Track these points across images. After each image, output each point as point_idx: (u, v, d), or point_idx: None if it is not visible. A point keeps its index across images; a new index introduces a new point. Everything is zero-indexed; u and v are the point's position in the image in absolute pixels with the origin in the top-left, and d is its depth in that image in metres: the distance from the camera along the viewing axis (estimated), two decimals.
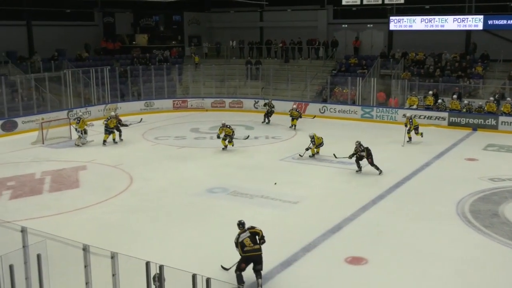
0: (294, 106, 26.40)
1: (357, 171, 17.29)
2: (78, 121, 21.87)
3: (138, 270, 7.06)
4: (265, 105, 27.15)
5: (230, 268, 10.32)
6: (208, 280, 6.35)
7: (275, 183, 15.87)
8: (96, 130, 23.12)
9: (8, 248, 7.68)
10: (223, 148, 20.49)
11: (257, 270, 9.86)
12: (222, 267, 10.55)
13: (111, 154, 20.24)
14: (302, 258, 11.08)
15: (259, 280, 9.77)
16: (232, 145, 20.59)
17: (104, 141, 21.58)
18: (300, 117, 25.45)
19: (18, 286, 7.30)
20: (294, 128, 24.89)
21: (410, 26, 30.71)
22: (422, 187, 15.89)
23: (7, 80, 26.40)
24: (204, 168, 18.26)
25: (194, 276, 6.43)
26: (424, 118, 25.77)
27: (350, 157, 17.30)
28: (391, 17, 31.08)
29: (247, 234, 10.11)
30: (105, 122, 21.90)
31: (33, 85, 26.84)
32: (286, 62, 34.18)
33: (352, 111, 27.93)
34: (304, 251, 11.41)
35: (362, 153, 17.07)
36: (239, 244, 10.02)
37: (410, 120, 21.82)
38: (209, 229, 12.63)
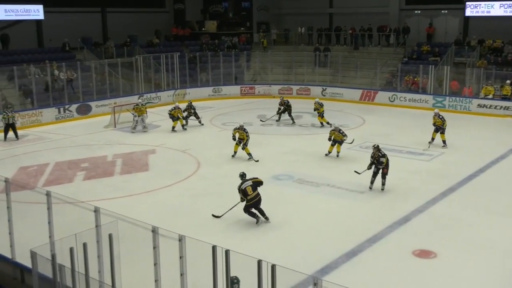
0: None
1: (370, 188, 14.41)
2: (135, 107, 21.99)
3: (204, 253, 7.18)
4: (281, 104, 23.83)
5: (222, 215, 12.23)
6: (273, 267, 6.37)
7: (356, 172, 15.14)
8: (161, 115, 23.59)
9: (81, 226, 7.99)
10: (232, 156, 17.54)
11: (260, 209, 12.14)
12: (213, 215, 12.28)
13: (179, 139, 20.66)
14: (367, 249, 10.92)
15: (265, 215, 12.16)
16: (247, 153, 17.44)
17: (173, 127, 21.99)
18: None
19: (90, 264, 7.60)
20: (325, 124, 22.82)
21: (488, 12, 29.40)
22: (495, 181, 15.27)
23: (82, 65, 27.39)
24: (270, 154, 18.31)
25: (259, 262, 6.47)
26: (500, 108, 24.71)
27: (370, 167, 14.52)
28: (467, 3, 29.86)
29: (249, 183, 12.14)
30: (170, 112, 22.11)
31: (107, 70, 27.72)
32: (355, 49, 33.62)
33: (423, 100, 27.17)
34: (370, 242, 11.24)
35: (382, 159, 14.19)
36: (242, 191, 12.07)
37: (440, 116, 18.83)
38: (274, 215, 12.66)
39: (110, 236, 7.57)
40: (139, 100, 22.59)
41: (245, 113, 26.19)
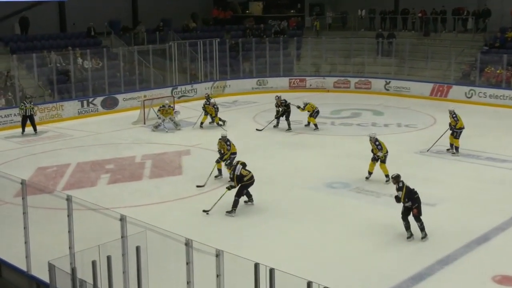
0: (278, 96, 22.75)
1: (408, 238, 12.08)
2: (161, 108, 22.08)
3: (245, 271, 7.15)
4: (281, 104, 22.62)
5: (210, 210, 13.25)
6: None
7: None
8: (197, 110, 23.76)
9: (105, 237, 8.10)
10: (216, 177, 16.11)
11: (248, 193, 13.92)
12: (204, 211, 13.29)
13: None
14: (438, 273, 10.70)
15: (251, 198, 14.03)
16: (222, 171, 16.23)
17: (202, 123, 22.14)
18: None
19: (115, 279, 7.68)
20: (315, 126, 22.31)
21: None
22: None
23: (109, 53, 27.90)
24: (323, 157, 18.21)
25: (309, 284, 6.41)
26: None
27: (399, 200, 12.19)
28: None
29: (240, 166, 13.57)
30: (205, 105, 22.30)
31: (136, 58, 28.16)
32: (425, 36, 33.08)
33: (506, 97, 26.53)
34: (441, 264, 11.01)
35: (414, 197, 12.09)
36: (237, 177, 13.34)
37: (454, 116, 18.06)
38: (326, 231, 12.55)
39: (137, 248, 7.64)
40: (166, 102, 22.44)
41: (294, 109, 26.06)
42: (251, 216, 13.41)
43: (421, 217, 12.08)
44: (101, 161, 17.98)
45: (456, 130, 18.14)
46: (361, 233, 12.47)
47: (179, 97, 27.32)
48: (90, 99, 25.24)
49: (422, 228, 12.07)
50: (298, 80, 31.30)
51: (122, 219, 8.04)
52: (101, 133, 21.63)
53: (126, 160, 18.15)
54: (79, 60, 26.78)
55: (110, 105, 25.63)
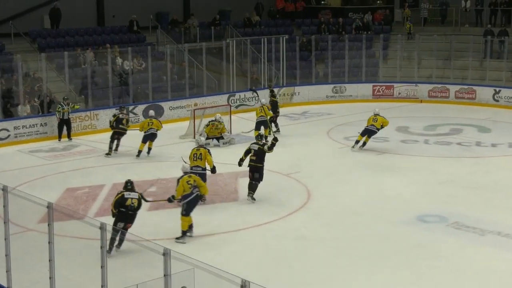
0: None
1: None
2: (208, 124, 22.22)
3: None
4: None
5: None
6: None
7: None
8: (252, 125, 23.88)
9: (145, 274, 8.23)
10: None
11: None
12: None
13: (283, 157, 20.80)
14: None
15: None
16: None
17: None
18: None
19: None
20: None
21: None
22: None
23: (154, 51, 28.40)
24: (414, 184, 18.03)
25: None
26: None
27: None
28: None
29: (255, 146, 16.54)
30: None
31: (187, 58, 28.55)
32: None
33: None
34: None
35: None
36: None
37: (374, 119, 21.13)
38: (417, 276, 12.39)
39: None
40: (218, 115, 22.47)
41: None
42: (326, 255, 13.35)
43: None
44: (141, 182, 18.18)
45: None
46: (461, 280, 12.25)
47: (236, 106, 27.55)
48: (131, 108, 25.65)
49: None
50: (384, 87, 31.10)
51: (166, 253, 8.14)
52: (149, 154, 21.95)
53: (172, 182, 18.32)
54: (119, 60, 27.33)
55: (155, 114, 25.98)
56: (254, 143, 16.91)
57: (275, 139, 16.84)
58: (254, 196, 16.49)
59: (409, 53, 32.76)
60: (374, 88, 31.11)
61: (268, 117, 22.13)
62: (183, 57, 28.79)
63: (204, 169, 16.49)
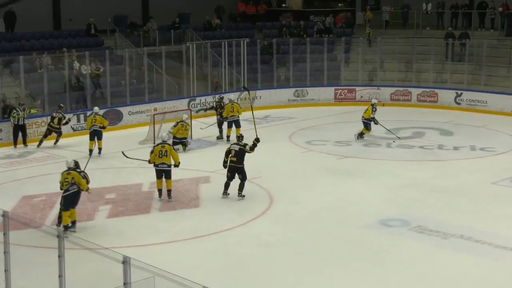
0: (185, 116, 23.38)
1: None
2: (176, 125, 22.21)
3: None
4: (213, 108, 24.91)
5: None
6: None
7: None
8: (214, 130, 23.82)
9: (105, 283, 8.18)
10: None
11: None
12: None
13: (244, 162, 20.82)
14: None
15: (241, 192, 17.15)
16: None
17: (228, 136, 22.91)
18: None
19: None
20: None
21: None
22: None
23: (112, 55, 28.23)
24: (376, 188, 18.15)
25: None
26: None
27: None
28: None
29: (236, 147, 17.03)
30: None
31: (146, 62, 28.44)
32: (508, 36, 32.87)
33: None
34: None
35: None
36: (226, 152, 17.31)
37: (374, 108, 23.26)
38: (381, 280, 12.48)
39: None
40: (185, 116, 22.56)
41: (340, 127, 26.10)
42: (289, 261, 13.39)
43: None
44: (100, 189, 18.09)
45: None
46: (428, 286, 12.36)
47: (197, 111, 27.49)
48: (88, 113, 25.39)
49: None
50: (346, 90, 31.29)
51: (125, 261, 8.10)
52: (101, 154, 21.84)
53: (131, 188, 18.28)
54: (76, 64, 27.12)
55: (113, 120, 25.82)
56: (234, 143, 17.30)
57: (257, 140, 17.35)
58: (243, 193, 17.17)
59: (371, 56, 33.02)
60: (336, 91, 31.28)
61: (239, 116, 23.15)
62: (142, 61, 28.67)
63: (170, 165, 16.87)
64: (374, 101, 24.26)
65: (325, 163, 20.73)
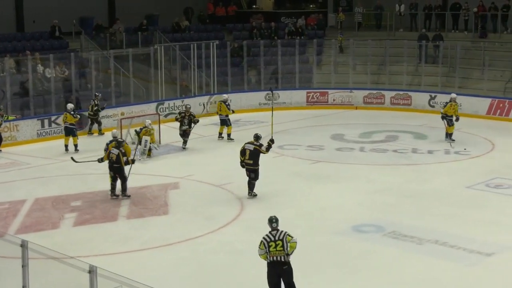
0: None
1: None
2: (140, 131, 21.99)
3: None
4: (180, 114, 24.02)
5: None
6: None
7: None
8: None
9: None
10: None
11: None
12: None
13: (214, 167, 20.81)
14: None
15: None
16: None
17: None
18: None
19: None
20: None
21: None
22: None
23: (78, 58, 28.06)
24: (350, 193, 18.24)
25: None
26: None
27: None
28: None
29: (251, 147, 17.27)
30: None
31: (112, 65, 28.34)
32: (482, 37, 33.18)
33: None
34: None
35: None
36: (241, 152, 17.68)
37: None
38: (355, 287, 12.52)
39: None
40: (148, 122, 22.27)
41: (313, 130, 26.17)
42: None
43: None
44: (65, 196, 17.99)
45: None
46: None
47: (166, 115, 27.42)
48: (53, 118, 25.28)
49: None
50: (319, 94, 31.38)
51: (92, 271, 8.06)
52: (66, 160, 21.67)
53: (97, 195, 18.17)
54: (40, 68, 26.92)
55: (78, 124, 25.62)
56: (249, 142, 17.56)
57: (272, 141, 17.76)
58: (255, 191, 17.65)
59: (343, 58, 33.16)
60: (308, 94, 31.35)
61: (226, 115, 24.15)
62: (108, 64, 28.54)
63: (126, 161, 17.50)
64: (453, 95, 24.25)
65: (298, 168, 20.77)
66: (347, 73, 32.45)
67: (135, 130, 22.30)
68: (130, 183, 19.17)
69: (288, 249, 11.04)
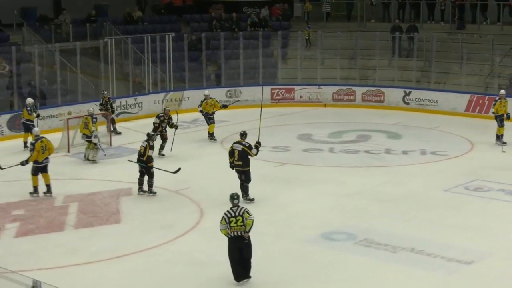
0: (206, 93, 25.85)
1: None
2: (95, 120, 22.07)
3: None
4: (159, 118, 23.23)
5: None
6: None
7: None
8: (142, 132, 23.70)
9: None
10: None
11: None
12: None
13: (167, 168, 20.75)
14: None
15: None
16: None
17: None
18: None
19: None
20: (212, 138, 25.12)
21: None
22: None
23: (20, 53, 27.78)
24: (318, 198, 18.28)
25: None
26: None
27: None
28: None
29: (239, 147, 17.58)
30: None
31: (58, 60, 28.13)
32: (459, 29, 33.51)
33: None
34: None
35: None
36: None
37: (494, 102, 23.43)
38: None
39: None
40: (91, 109, 22.48)
41: (278, 130, 26.18)
42: (223, 281, 13.35)
43: None
44: (5, 204, 17.82)
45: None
46: None
47: (117, 114, 27.25)
48: None
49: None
50: (284, 90, 31.42)
51: (36, 286, 7.98)
52: (6, 166, 21.41)
53: (42, 203, 18.00)
54: None
55: (20, 126, 25.40)
56: (237, 142, 17.95)
57: (259, 143, 18.08)
58: (250, 196, 17.87)
59: (311, 52, 33.25)
60: (272, 91, 31.37)
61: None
62: (54, 59, 28.33)
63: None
64: (502, 92, 24.13)
65: (262, 171, 20.71)
66: (315, 67, 32.52)
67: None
68: (77, 189, 19.13)
69: (245, 226, 12.77)
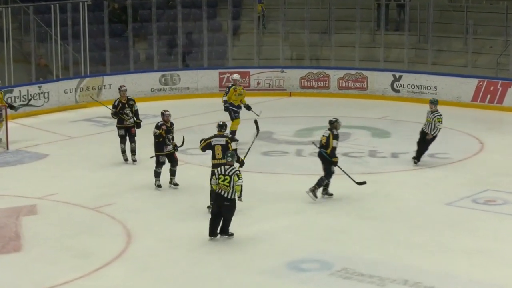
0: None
1: None
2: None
3: None
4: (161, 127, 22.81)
5: None
6: None
7: None
8: (49, 131, 23.59)
9: None
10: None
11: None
12: None
13: (87, 183, 20.62)
14: None
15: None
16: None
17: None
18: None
19: None
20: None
21: None
22: None
23: None
24: (282, 216, 18.35)
25: None
26: None
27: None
28: None
29: (222, 141, 18.48)
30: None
31: None
32: None
33: None
34: None
35: None
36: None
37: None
38: None
39: None
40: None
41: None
42: None
43: None
44: None
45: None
46: None
47: (16, 109, 27.03)
48: None
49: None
50: (236, 74, 31.43)
51: None
52: None
53: None
54: None
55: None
56: (217, 135, 18.81)
57: (242, 163, 18.26)
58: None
59: (271, 25, 33.29)
60: (221, 76, 31.45)
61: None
62: None
63: None
64: None
65: (208, 181, 20.70)
66: (277, 45, 32.63)
67: None
68: None
69: (234, 190, 15.79)
